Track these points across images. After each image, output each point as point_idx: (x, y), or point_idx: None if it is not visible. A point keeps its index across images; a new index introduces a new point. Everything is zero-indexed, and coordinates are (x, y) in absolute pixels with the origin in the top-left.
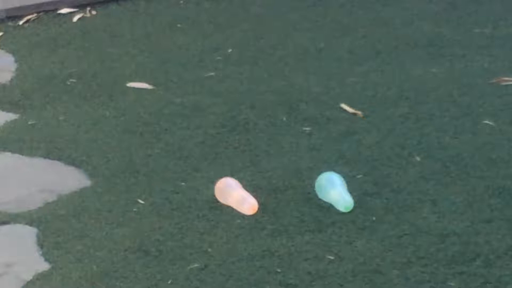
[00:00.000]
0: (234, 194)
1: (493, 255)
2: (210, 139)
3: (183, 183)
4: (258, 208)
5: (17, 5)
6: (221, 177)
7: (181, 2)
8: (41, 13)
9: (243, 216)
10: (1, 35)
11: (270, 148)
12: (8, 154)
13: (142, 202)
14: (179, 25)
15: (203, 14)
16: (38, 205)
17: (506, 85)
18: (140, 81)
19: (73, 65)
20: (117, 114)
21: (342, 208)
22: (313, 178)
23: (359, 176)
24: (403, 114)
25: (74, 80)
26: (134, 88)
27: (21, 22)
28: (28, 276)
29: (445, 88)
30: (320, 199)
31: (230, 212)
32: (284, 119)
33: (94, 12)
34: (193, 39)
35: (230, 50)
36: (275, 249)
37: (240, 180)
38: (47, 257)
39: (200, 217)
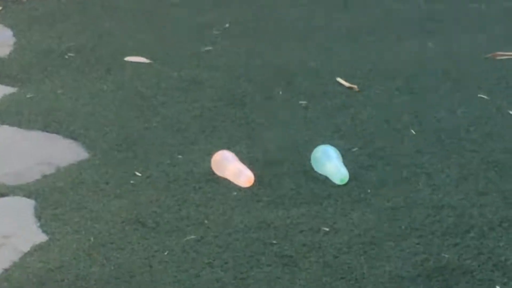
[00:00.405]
0: (230, 167)
1: (487, 227)
2: (207, 112)
3: (180, 156)
4: (254, 181)
5: None
6: (217, 150)
7: None
8: None
9: (239, 189)
10: (0, 10)
11: (267, 121)
12: (6, 127)
13: (139, 174)
14: (177, 0)
15: None
16: (36, 178)
17: (501, 60)
18: (137, 55)
19: (71, 39)
20: (115, 88)
21: (337, 181)
22: (309, 151)
23: (354, 149)
24: (399, 88)
25: (72, 54)
26: (131, 62)
27: None
28: (26, 248)
29: (440, 63)
30: (315, 172)
31: (226, 184)
32: (281, 92)
33: None
34: (190, 14)
35: (227, 25)
36: (271, 221)
37: (237, 153)
38: (44, 228)
39: (197, 189)
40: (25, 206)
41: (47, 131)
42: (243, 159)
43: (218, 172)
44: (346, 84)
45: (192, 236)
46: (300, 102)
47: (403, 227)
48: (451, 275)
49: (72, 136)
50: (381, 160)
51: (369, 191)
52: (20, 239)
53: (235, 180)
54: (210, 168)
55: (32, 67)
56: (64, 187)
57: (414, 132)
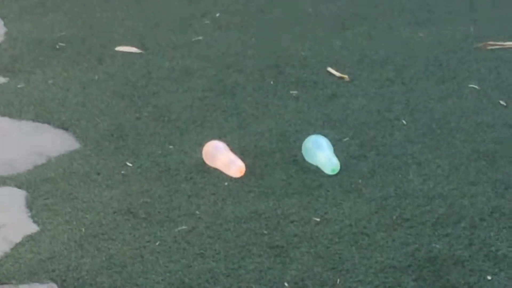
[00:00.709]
0: (221, 157)
1: (478, 217)
2: (198, 102)
3: (171, 146)
4: (245, 171)
5: None
6: (209, 140)
7: None
8: None
9: (230, 179)
10: None
11: (258, 111)
12: None
13: (130, 165)
14: None
15: None
16: (27, 168)
17: (492, 49)
18: (128, 45)
19: (62, 29)
20: (106, 78)
21: (328, 171)
22: (299, 141)
23: (345, 139)
24: (390, 78)
25: (63, 44)
26: (122, 52)
27: None
28: (17, 238)
29: (431, 52)
30: (306, 162)
31: (217, 175)
32: (272, 82)
33: None
34: (181, 4)
35: (218, 15)
36: (262, 211)
37: (228, 143)
38: (36, 219)
39: (188, 179)
40: (17, 196)
41: (38, 121)
42: (234, 149)
43: (209, 163)
44: (337, 74)
45: (184, 227)
46: (291, 92)
47: (394, 217)
48: (442, 265)
49: (63, 126)
50: (372, 150)
51: (360, 181)
52: (11, 229)
53: (226, 170)
54: (201, 158)
55: (23, 57)
56: (55, 177)
57: (405, 122)
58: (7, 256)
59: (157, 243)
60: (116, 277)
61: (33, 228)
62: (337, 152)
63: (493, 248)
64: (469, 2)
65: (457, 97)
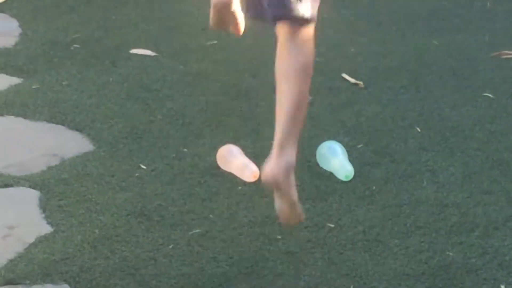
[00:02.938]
0: (235, 161)
1: (491, 226)
2: (212, 106)
3: (185, 150)
4: (259, 176)
5: None
6: (223, 144)
7: None
8: None
9: (244, 183)
10: (6, 0)
11: (272, 116)
12: (12, 118)
13: (144, 167)
14: None
15: None
16: (41, 169)
17: (507, 59)
18: (143, 48)
19: (77, 31)
20: (120, 80)
21: (342, 177)
22: (313, 147)
23: (359, 146)
24: (404, 85)
25: (77, 46)
26: (137, 54)
27: None
28: (31, 239)
29: (445, 61)
30: (320, 168)
31: (231, 179)
32: None
33: None
34: (196, 7)
35: None
36: (275, 216)
37: (242, 147)
38: (49, 220)
39: (202, 183)
40: (30, 197)
41: (52, 122)
42: (248, 154)
43: (223, 167)
44: (352, 80)
45: (197, 230)
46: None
47: (407, 224)
48: (456, 274)
49: (77, 128)
50: (386, 157)
51: (373, 188)
52: (25, 230)
53: (240, 174)
54: (215, 162)
55: (38, 58)
56: (69, 179)
57: (419, 130)
58: (20, 256)
59: (170, 246)
60: (129, 279)
61: (47, 229)
62: (351, 158)
63: (507, 257)
64: (484, 11)
65: (471, 106)
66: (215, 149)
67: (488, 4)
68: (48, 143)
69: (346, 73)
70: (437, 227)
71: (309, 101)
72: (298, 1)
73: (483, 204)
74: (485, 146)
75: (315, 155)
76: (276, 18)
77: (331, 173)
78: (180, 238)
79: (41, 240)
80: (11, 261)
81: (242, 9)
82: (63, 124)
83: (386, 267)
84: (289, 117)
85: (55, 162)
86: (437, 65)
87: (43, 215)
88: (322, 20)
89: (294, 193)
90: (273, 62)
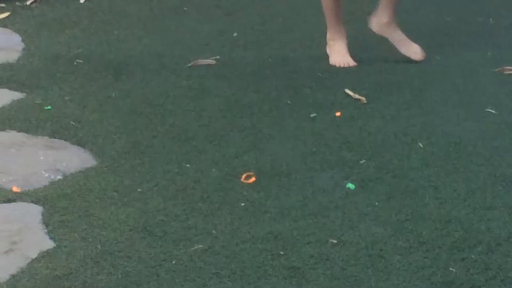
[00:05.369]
0: None
1: (495, 242)
2: (214, 121)
3: (187, 165)
4: (261, 191)
5: None
6: (225, 159)
7: None
8: None
9: (247, 199)
10: (9, 15)
11: (274, 131)
12: (14, 132)
13: (146, 183)
14: (185, 8)
15: None
16: (44, 184)
17: (509, 74)
18: (146, 62)
19: (79, 45)
20: (123, 95)
21: None
22: (316, 162)
23: (362, 161)
24: (407, 100)
25: (80, 61)
26: (140, 69)
27: (28, 2)
28: (33, 254)
29: (448, 76)
30: (322, 183)
31: (234, 194)
32: (289, 102)
33: None
34: (199, 22)
35: (235, 34)
36: (278, 232)
37: (244, 162)
38: (52, 235)
39: (204, 198)
40: (33, 212)
41: (54, 138)
42: (250, 169)
43: None
44: (354, 95)
45: (200, 246)
46: (308, 112)
47: (410, 240)
48: None
49: (79, 143)
50: (389, 172)
51: (376, 203)
52: (27, 245)
53: None
54: (218, 177)
55: (40, 73)
56: (71, 194)
57: (421, 145)
58: (23, 271)
59: (173, 262)
60: None
61: (49, 244)
62: (353, 174)
63: (510, 274)
64: (487, 27)
65: (474, 121)
66: (217, 164)
67: (491, 19)
68: (50, 158)
69: (348, 88)
70: (440, 243)
71: (312, 116)
72: None
73: (486, 220)
74: (488, 161)
75: (318, 169)
76: None
77: (333, 189)
78: (183, 254)
79: (44, 256)
80: (13, 276)
81: None
82: (65, 139)
83: (389, 283)
84: None
85: (57, 177)
86: (439, 80)
87: (46, 230)
88: (324, 35)
89: (400, 35)
90: (276, 78)
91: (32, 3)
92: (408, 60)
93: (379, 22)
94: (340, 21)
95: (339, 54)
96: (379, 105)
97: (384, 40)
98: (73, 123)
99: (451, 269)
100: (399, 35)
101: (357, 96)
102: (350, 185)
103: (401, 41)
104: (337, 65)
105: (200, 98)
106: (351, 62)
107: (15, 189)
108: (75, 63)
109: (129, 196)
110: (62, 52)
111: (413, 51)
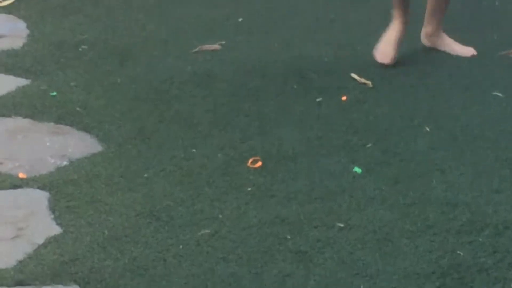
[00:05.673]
0: None
1: (502, 225)
2: (220, 106)
3: (193, 150)
4: (268, 176)
5: None
6: (231, 144)
7: None
8: None
9: (253, 184)
10: (13, 2)
11: (280, 116)
12: (20, 119)
13: (153, 168)
14: None
15: None
16: (50, 170)
17: None
18: (151, 48)
19: (84, 31)
20: (128, 81)
21: None
22: (322, 147)
23: (368, 145)
24: (413, 84)
25: (85, 47)
26: (145, 55)
27: None
28: (40, 240)
29: (454, 60)
30: (329, 167)
31: (240, 179)
32: (295, 87)
33: None
34: (204, 8)
35: (240, 20)
36: (285, 216)
37: (250, 147)
38: (58, 221)
39: (211, 183)
40: (39, 198)
41: (60, 124)
42: (257, 154)
43: None
44: (360, 79)
45: (206, 231)
46: (314, 97)
47: (417, 224)
48: (466, 273)
49: (85, 129)
50: (395, 156)
51: (383, 187)
52: (34, 231)
53: None
54: (224, 162)
55: (45, 59)
56: (78, 179)
57: (428, 129)
58: (30, 257)
59: (180, 247)
60: (139, 280)
61: (56, 230)
62: (360, 158)
63: None
64: (493, 10)
65: (481, 105)
66: (223, 149)
67: (497, 2)
68: (56, 144)
69: (354, 73)
70: (447, 226)
71: (318, 100)
72: None
73: (493, 203)
74: (495, 145)
75: (324, 154)
76: None
77: (340, 173)
78: (190, 239)
79: (51, 241)
80: (20, 262)
81: None
82: (71, 125)
83: (396, 266)
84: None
85: (63, 163)
86: (446, 64)
87: (52, 216)
88: (330, 19)
89: (447, 39)
90: (281, 63)
91: None
92: (414, 45)
93: (426, 34)
94: (402, 12)
95: (383, 44)
96: (385, 89)
97: (389, 23)
98: (79, 109)
99: (458, 252)
100: (446, 39)
101: (363, 80)
102: (357, 169)
103: (451, 45)
104: (375, 55)
105: (206, 83)
106: (386, 59)
107: (21, 175)
108: (80, 49)
109: (135, 182)
110: (67, 38)
111: (465, 52)
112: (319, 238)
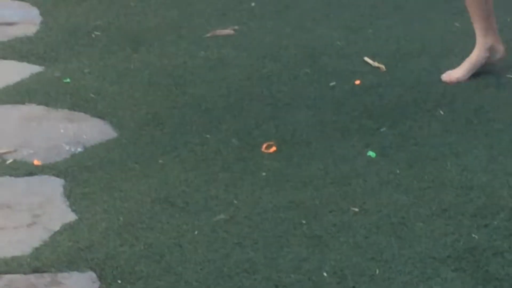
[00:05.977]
0: None
1: None
2: (234, 91)
3: (207, 135)
4: (283, 160)
5: None
6: (245, 129)
7: None
8: None
9: (268, 168)
10: None
11: (294, 101)
12: (34, 106)
13: (167, 154)
14: None
15: None
16: (65, 157)
17: None
18: (164, 33)
19: (97, 18)
20: (142, 67)
21: None
22: (337, 131)
23: (382, 129)
24: (426, 68)
25: (98, 33)
26: (158, 41)
27: None
28: (56, 227)
29: (467, 43)
30: (343, 151)
31: (255, 164)
32: (308, 71)
33: None
34: None
35: (253, 4)
36: (300, 201)
37: (264, 132)
38: (74, 208)
39: (225, 168)
40: (54, 185)
41: (74, 110)
42: (271, 138)
43: None
44: (373, 63)
45: (222, 216)
46: (327, 81)
47: (432, 207)
48: (482, 256)
49: (99, 115)
50: (410, 140)
51: (397, 171)
52: (49, 218)
53: None
54: (238, 147)
55: (59, 46)
56: (92, 166)
57: (442, 113)
58: (46, 244)
59: (195, 232)
60: (155, 266)
61: (71, 217)
62: (374, 142)
63: None
64: None
65: (495, 88)
66: (237, 134)
67: None
68: (71, 131)
69: (367, 57)
70: (462, 210)
71: (331, 85)
72: None
73: (508, 186)
74: (509, 127)
75: (338, 138)
76: None
77: (354, 157)
78: (205, 224)
79: (66, 228)
80: (36, 249)
81: None
82: (85, 112)
83: (411, 250)
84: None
85: (78, 149)
86: (459, 47)
87: (68, 203)
88: (342, 3)
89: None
90: (294, 48)
91: None
92: (427, 27)
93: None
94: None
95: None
96: (398, 72)
97: (402, 7)
98: (93, 96)
99: (473, 235)
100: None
101: (376, 64)
102: (371, 153)
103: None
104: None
105: (219, 68)
106: (460, 77)
107: (36, 162)
108: (93, 36)
109: (150, 168)
110: (80, 25)
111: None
112: (334, 222)
